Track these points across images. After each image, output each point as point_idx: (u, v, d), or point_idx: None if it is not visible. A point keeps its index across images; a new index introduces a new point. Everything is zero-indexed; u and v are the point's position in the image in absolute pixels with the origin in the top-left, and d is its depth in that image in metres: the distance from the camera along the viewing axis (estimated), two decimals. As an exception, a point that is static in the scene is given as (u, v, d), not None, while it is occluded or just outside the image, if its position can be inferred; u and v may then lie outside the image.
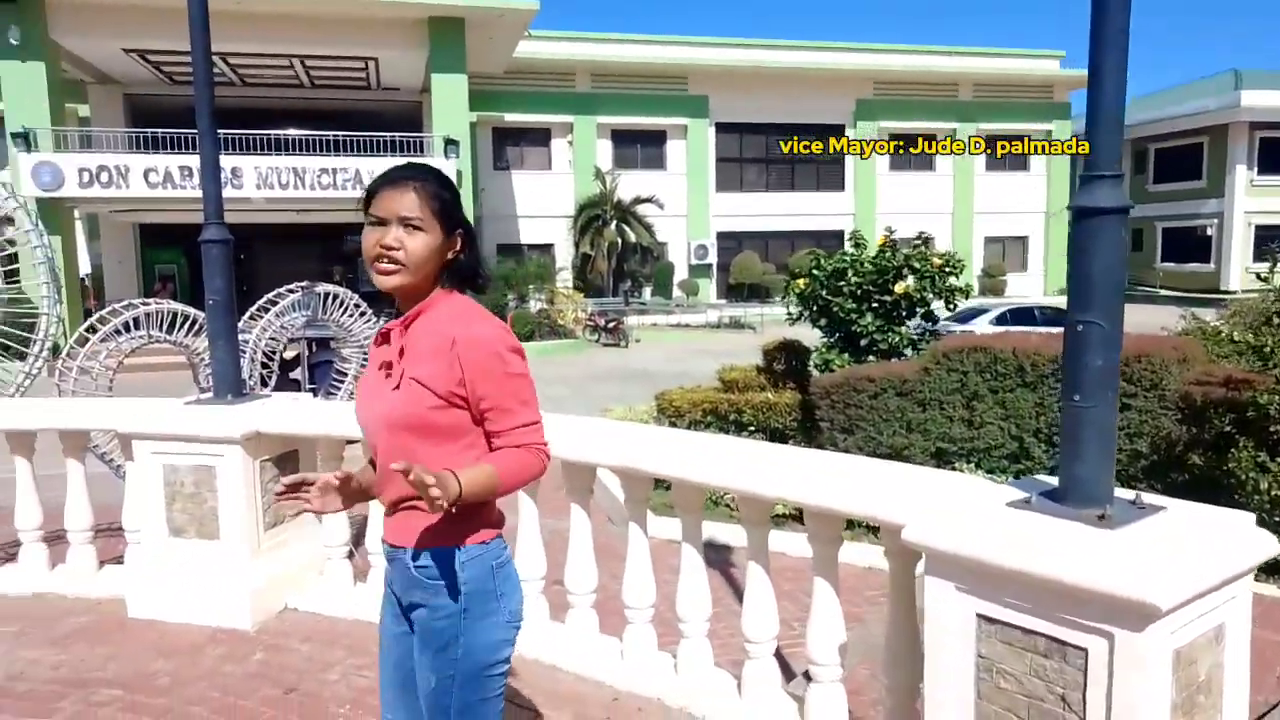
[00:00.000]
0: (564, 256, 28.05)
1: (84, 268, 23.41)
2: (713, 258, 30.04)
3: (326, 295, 6.22)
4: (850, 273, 7.47)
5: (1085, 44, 1.97)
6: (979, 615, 2.05)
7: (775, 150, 31.35)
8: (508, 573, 1.86)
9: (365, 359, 6.37)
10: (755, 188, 31.42)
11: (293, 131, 21.58)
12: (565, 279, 26.36)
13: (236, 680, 3.33)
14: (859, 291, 7.45)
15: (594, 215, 27.32)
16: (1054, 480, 2.23)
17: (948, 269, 7.39)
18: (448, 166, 20.84)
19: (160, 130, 20.12)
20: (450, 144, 21.03)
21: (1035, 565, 1.87)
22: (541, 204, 28.50)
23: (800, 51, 30.62)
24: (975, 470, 6.07)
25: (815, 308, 7.82)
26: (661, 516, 4.30)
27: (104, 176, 19.40)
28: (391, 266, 1.74)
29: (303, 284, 6.13)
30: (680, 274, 29.84)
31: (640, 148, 29.96)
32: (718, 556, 4.76)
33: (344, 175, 20.54)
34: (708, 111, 29.93)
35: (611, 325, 21.99)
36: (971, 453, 6.16)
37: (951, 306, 7.56)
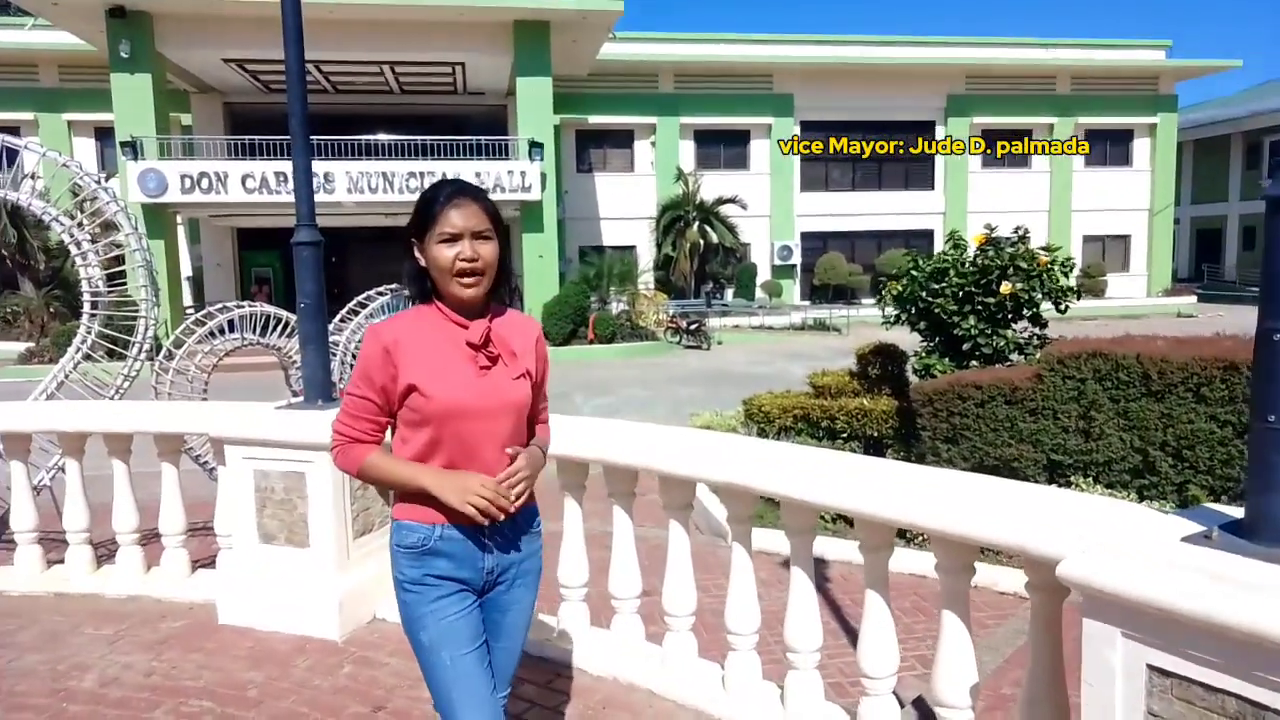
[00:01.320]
0: (646, 258, 27.95)
1: (185, 270, 24.37)
2: (796, 258, 29.53)
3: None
4: (951, 273, 7.10)
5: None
6: (1150, 667, 1.78)
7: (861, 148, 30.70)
8: None
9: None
10: (841, 187, 30.75)
11: (382, 136, 22.02)
12: (647, 280, 26.25)
13: (325, 694, 3.25)
14: (961, 293, 7.07)
15: (676, 216, 27.13)
16: (1232, 511, 1.95)
17: (1057, 268, 6.94)
18: (532, 169, 20.98)
19: (256, 137, 20.77)
20: (535, 146, 21.14)
21: (1229, 614, 1.59)
22: (624, 206, 28.48)
23: (888, 47, 29.84)
24: (1095, 485, 5.65)
25: (913, 310, 7.47)
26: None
27: (204, 183, 20.12)
28: (475, 278, 1.98)
29: (392, 286, 6.10)
30: (763, 275, 29.42)
31: (723, 148, 29.65)
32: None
33: (431, 179, 20.73)
34: (793, 110, 29.43)
35: (693, 327, 21.76)
36: (1089, 466, 5.74)
37: (1062, 309, 7.10)
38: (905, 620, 4.23)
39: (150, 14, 19.96)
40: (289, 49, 3.99)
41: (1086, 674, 1.88)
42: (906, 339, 7.86)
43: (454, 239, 1.95)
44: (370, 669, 3.46)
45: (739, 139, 29.72)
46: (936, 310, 7.16)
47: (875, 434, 7.52)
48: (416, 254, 2.01)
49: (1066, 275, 6.99)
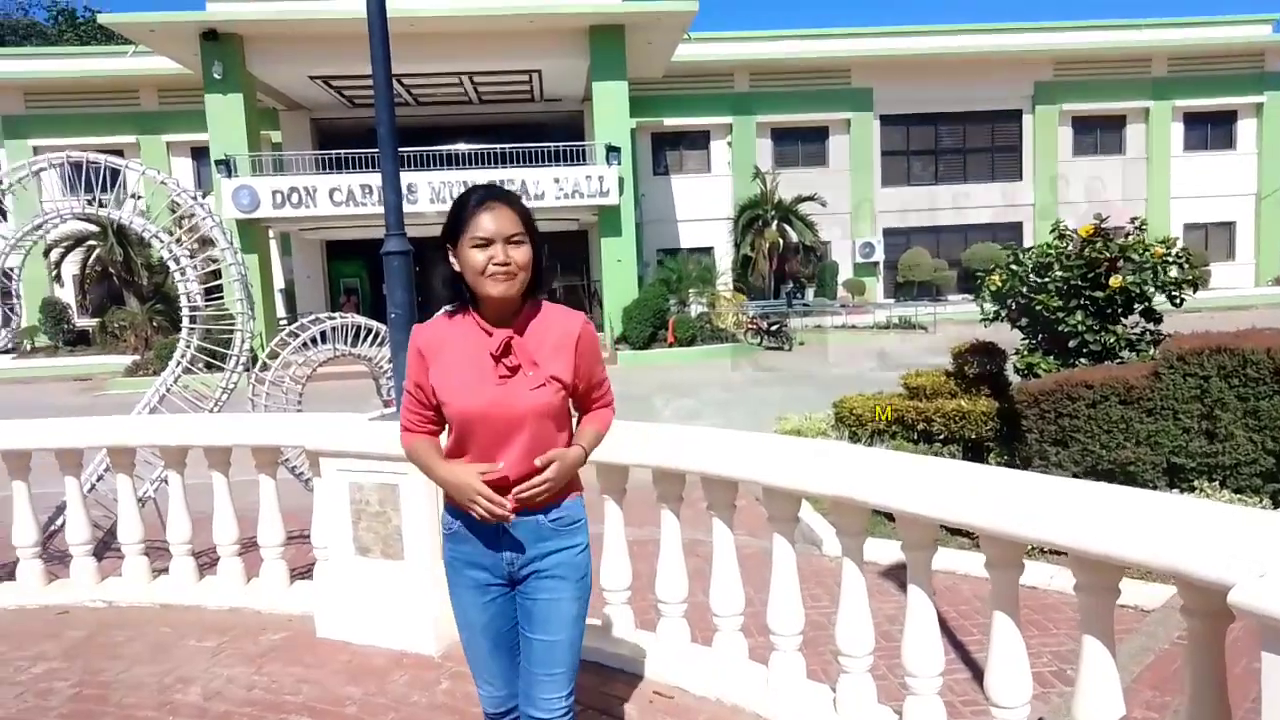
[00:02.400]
0: (725, 259, 27.72)
1: (278, 282, 25.19)
2: (879, 255, 28.86)
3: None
4: (1056, 266, 6.74)
5: None
6: (1349, 711, 1.56)
7: (945, 141, 29.82)
8: None
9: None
10: (923, 180, 29.93)
11: (462, 146, 22.36)
12: (726, 282, 26.01)
13: (423, 710, 3.20)
14: (1066, 287, 6.71)
15: (754, 216, 26.82)
16: None
17: (1173, 259, 6.53)
18: (609, 174, 21.00)
19: (342, 151, 21.33)
20: (612, 150, 21.17)
21: None
22: (701, 207, 28.30)
23: (971, 35, 28.85)
24: (1221, 490, 5.27)
25: (1014, 306, 7.12)
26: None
27: (294, 197, 20.75)
28: (507, 275, 2.02)
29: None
30: (844, 273, 28.85)
31: (801, 145, 29.21)
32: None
33: (510, 186, 21.02)
34: (872, 104, 28.80)
35: (774, 328, 21.44)
36: (1214, 469, 5.36)
37: (1177, 302, 6.67)
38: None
39: (241, 36, 20.70)
40: (376, 66, 4.00)
41: (1268, 715, 1.67)
42: (1005, 336, 7.52)
43: (486, 243, 2.01)
44: (468, 684, 3.38)
45: (817, 136, 29.22)
46: (1039, 306, 6.81)
47: (974, 436, 7.21)
48: (451, 259, 2.09)
49: (1182, 267, 6.56)
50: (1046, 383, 5.99)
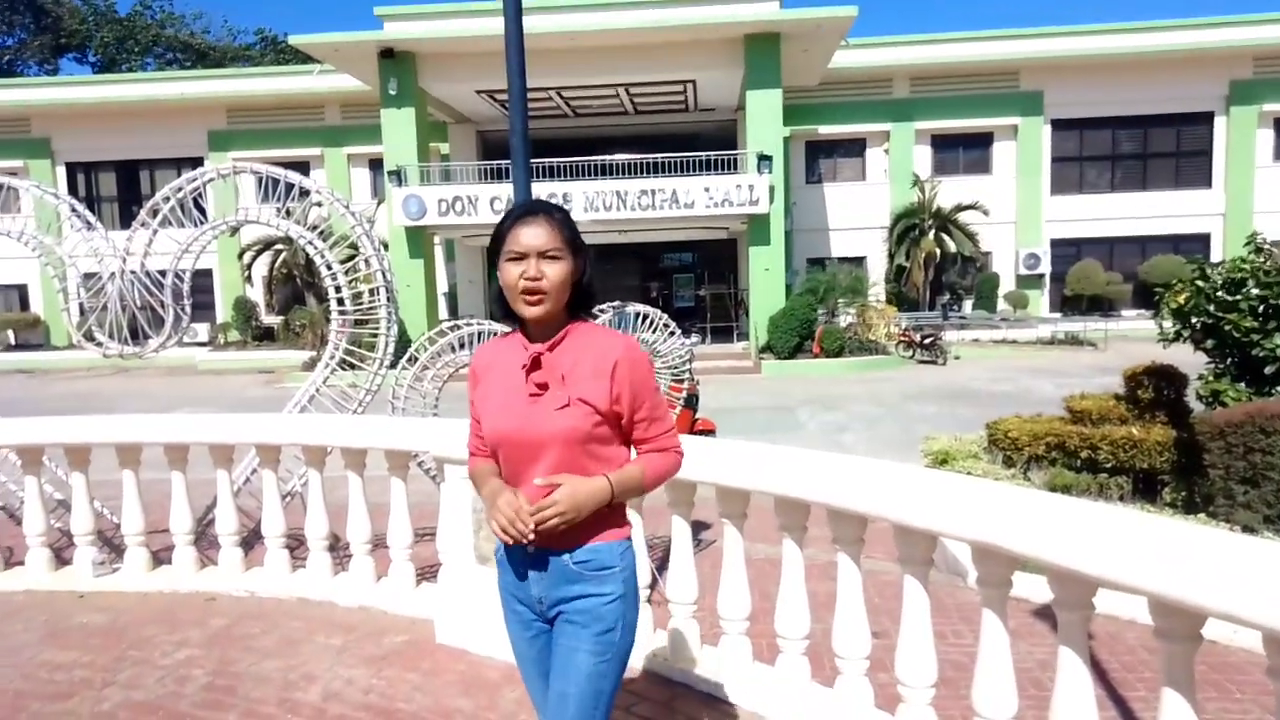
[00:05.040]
0: (877, 269, 26.82)
1: (441, 286, 26.39)
2: (1045, 267, 27.14)
3: (637, 315, 6.10)
4: (1251, 283, 6.03)
5: None
6: None
7: (1123, 146, 27.71)
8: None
9: (675, 376, 6.20)
10: (1097, 188, 27.93)
11: (618, 156, 22.70)
12: (878, 292, 25.15)
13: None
14: (1263, 306, 5.99)
15: (910, 225, 25.83)
16: None
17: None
18: (760, 183, 20.75)
19: (501, 162, 22.08)
20: (763, 160, 20.93)
21: None
22: (854, 215, 27.52)
23: (1154, 33, 26.49)
24: None
25: (1198, 325, 6.44)
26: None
27: (457, 206, 21.68)
28: (538, 297, 1.93)
29: (614, 304, 6.05)
30: (1006, 285, 27.31)
31: (963, 151, 27.89)
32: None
33: (661, 195, 21.19)
34: (1042, 108, 27.15)
35: (928, 340, 20.52)
36: None
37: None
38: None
39: (414, 54, 21.87)
40: (512, 78, 4.02)
41: None
42: (1187, 358, 6.82)
43: (520, 257, 1.93)
44: (577, 706, 3.31)
45: (980, 142, 27.81)
46: (1229, 326, 6.13)
47: (1146, 467, 6.57)
48: (499, 274, 2.01)
49: None
50: (1235, 413, 5.36)
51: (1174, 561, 1.95)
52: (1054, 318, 25.80)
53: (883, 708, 2.93)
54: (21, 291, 30.11)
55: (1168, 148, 27.61)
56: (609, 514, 1.98)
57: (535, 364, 1.96)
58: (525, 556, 2.01)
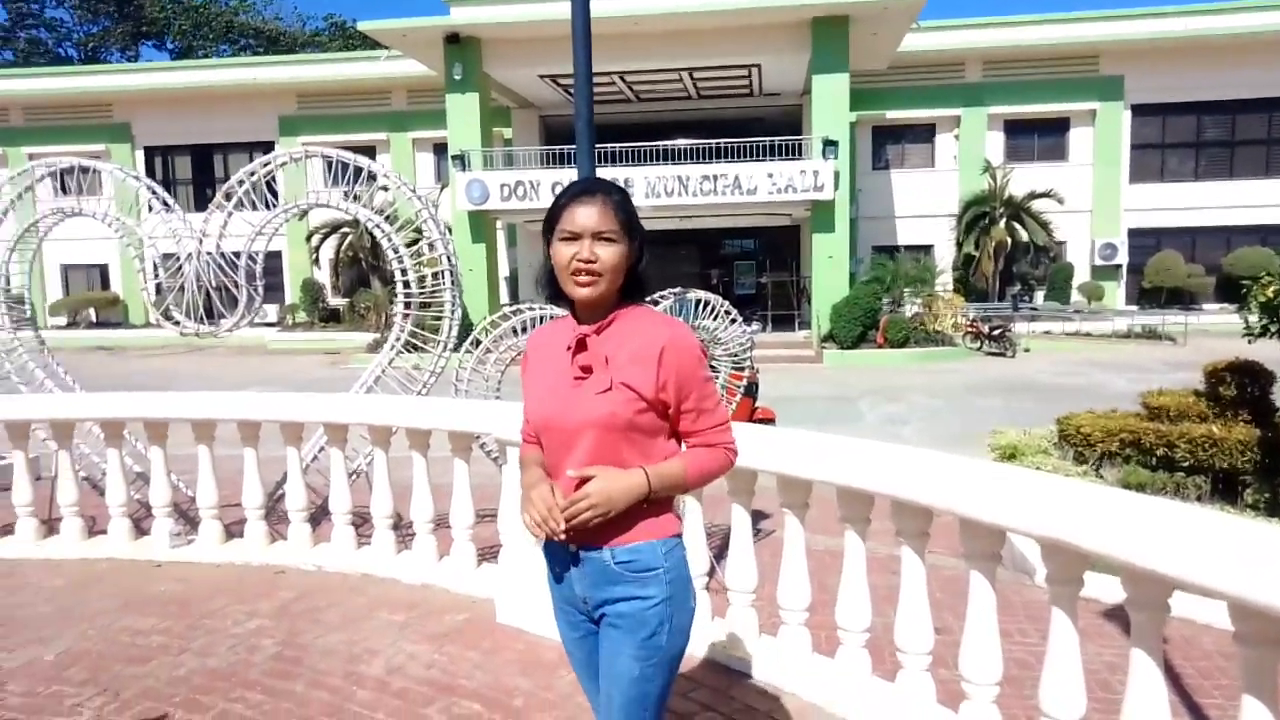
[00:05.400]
0: (944, 258, 26.24)
1: (503, 270, 26.65)
2: (1122, 258, 26.24)
3: (697, 302, 6.07)
4: (1347, 277, 5.76)
5: None
6: None
7: (1209, 133, 26.59)
8: (688, 562, 1.99)
9: (735, 364, 6.15)
10: (1180, 177, 26.87)
11: (681, 141, 22.56)
12: (945, 281, 24.62)
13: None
14: (1359, 302, 5.71)
15: (980, 213, 25.19)
16: None
17: None
18: (825, 169, 20.45)
19: (563, 147, 22.17)
20: (829, 145, 20.61)
21: None
22: (922, 203, 26.96)
23: (1246, 14, 25.26)
24: None
25: (1288, 322, 6.17)
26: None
27: (519, 190, 21.85)
28: (590, 278, 1.84)
29: (675, 290, 6.03)
30: (1080, 276, 26.49)
31: (1037, 138, 27.08)
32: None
33: (723, 181, 21.04)
34: (1122, 93, 26.20)
35: (996, 332, 20.05)
36: None
37: None
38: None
39: (479, 39, 22.03)
40: (578, 63, 4.02)
41: None
42: (1273, 355, 6.54)
43: (574, 238, 1.85)
44: (634, 690, 3.33)
45: (1056, 128, 26.97)
46: (1321, 323, 5.85)
47: (1226, 467, 6.34)
48: (550, 252, 1.93)
49: None
50: (1326, 414, 5.12)
51: (1258, 564, 1.86)
52: (1130, 310, 24.94)
53: (944, 703, 2.88)
54: (103, 271, 31.32)
55: (1257, 134, 26.43)
56: (652, 510, 1.87)
57: (580, 346, 1.87)
58: (565, 554, 1.92)
